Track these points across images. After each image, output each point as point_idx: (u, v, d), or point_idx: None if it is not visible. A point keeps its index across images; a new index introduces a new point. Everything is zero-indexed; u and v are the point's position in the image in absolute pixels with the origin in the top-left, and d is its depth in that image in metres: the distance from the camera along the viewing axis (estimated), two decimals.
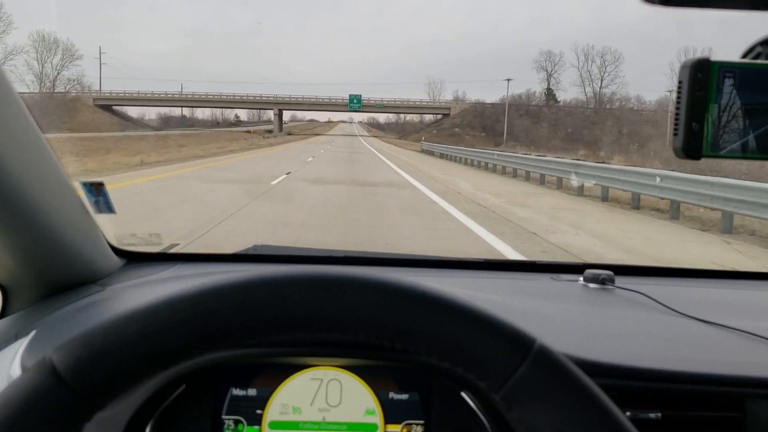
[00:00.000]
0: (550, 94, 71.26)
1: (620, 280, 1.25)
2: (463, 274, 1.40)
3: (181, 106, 76.98)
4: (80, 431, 0.48)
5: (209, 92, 75.39)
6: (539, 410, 0.48)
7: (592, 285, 1.25)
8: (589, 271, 1.26)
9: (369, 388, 0.88)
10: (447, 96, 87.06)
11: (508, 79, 63.54)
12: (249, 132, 72.08)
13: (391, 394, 0.88)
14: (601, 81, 72.93)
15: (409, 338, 0.51)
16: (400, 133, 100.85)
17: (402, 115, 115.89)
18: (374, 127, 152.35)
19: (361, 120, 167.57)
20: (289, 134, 76.20)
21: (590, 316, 1.07)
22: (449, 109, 75.21)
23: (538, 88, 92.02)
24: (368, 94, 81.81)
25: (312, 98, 76.76)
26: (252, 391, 0.88)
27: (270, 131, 74.87)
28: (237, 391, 0.88)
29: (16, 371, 0.81)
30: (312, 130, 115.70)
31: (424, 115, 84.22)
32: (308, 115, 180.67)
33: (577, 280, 1.28)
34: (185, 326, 0.49)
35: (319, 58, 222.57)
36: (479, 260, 1.51)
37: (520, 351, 0.50)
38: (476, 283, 1.27)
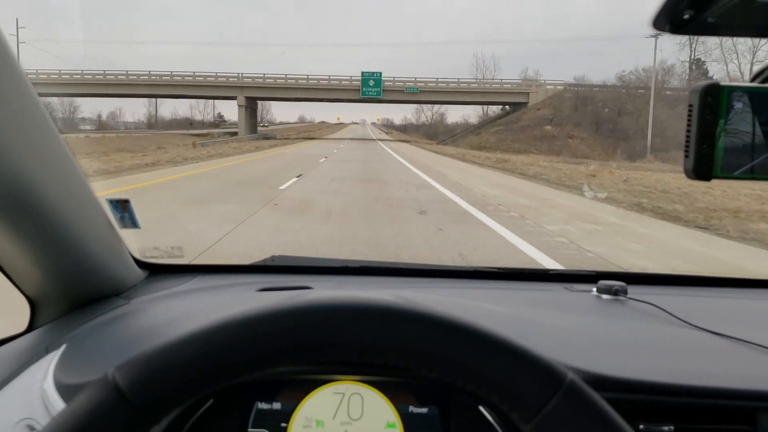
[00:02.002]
0: (699, 68, 42.61)
1: (633, 290, 1.29)
2: (477, 284, 1.44)
3: (88, 96, 49.26)
4: None
5: (142, 72, 46.84)
6: None
7: (605, 296, 1.29)
8: (602, 282, 1.32)
9: (389, 402, 0.91)
10: (504, 76, 57.42)
11: (656, 35, 34.95)
12: (205, 136, 45.08)
13: (411, 408, 0.91)
14: (754, 54, 44.97)
15: (446, 369, 0.54)
16: (432, 137, 72.23)
17: (433, 112, 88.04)
18: (390, 128, 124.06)
19: (374, 121, 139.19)
20: (267, 138, 47.62)
21: (603, 329, 1.11)
22: (527, 95, 46.66)
23: (675, 60, 63.91)
24: (389, 74, 50.87)
25: (302, 77, 47.57)
26: (277, 405, 0.91)
27: (234, 134, 46.72)
28: (262, 405, 0.91)
29: (49, 385, 0.85)
30: (311, 133, 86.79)
31: (446, 109, 56.25)
32: (319, 116, 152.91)
33: (590, 291, 1.33)
34: (239, 349, 0.53)
35: (329, 58, 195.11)
36: (493, 270, 1.53)
37: (552, 385, 0.53)
38: (490, 294, 1.32)
